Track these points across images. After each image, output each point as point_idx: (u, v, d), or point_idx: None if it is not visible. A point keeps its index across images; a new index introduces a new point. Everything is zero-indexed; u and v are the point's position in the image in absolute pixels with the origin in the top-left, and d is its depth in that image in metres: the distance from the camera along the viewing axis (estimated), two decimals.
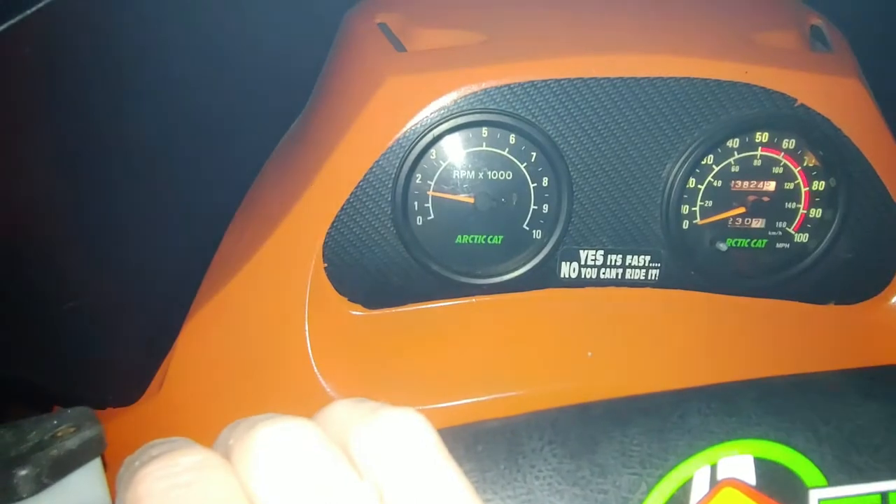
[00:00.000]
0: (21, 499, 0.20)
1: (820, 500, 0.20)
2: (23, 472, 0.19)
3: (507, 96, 0.47)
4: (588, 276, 0.52)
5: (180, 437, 0.23)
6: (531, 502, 0.20)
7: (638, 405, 0.22)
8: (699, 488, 0.20)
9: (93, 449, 0.22)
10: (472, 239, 0.51)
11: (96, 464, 0.22)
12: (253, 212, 0.56)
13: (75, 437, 0.21)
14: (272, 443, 0.17)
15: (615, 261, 0.51)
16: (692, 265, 0.51)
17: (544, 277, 0.51)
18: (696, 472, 0.20)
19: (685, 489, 0.20)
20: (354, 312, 0.51)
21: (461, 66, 0.47)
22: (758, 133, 0.47)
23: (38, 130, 0.42)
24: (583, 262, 0.51)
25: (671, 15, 0.53)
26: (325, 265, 0.50)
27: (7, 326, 0.44)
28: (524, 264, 0.51)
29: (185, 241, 0.54)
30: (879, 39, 0.51)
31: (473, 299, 0.52)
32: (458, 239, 0.51)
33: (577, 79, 0.47)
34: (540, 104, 0.47)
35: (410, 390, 0.48)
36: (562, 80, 0.47)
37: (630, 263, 0.51)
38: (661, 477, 0.20)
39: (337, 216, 0.49)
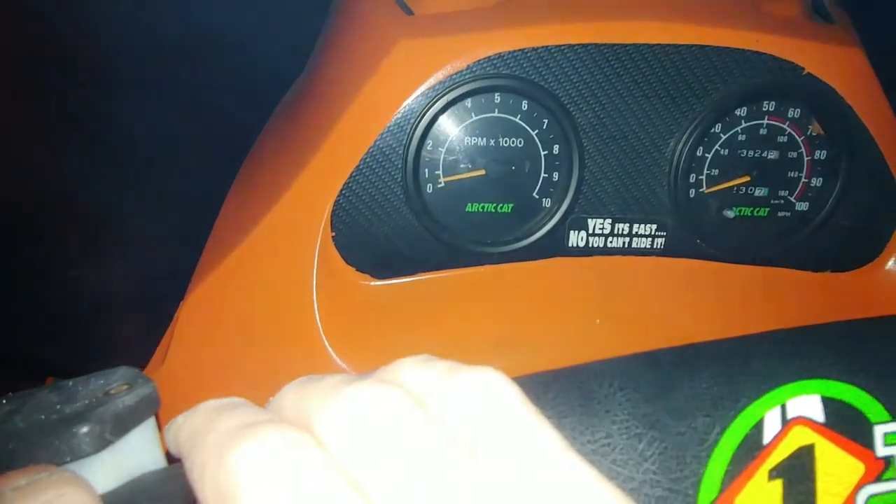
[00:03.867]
0: (84, 456, 0.18)
1: (885, 434, 0.21)
2: (85, 429, 0.18)
3: (521, 61, 0.46)
4: (595, 245, 0.52)
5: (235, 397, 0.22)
6: (611, 446, 0.20)
7: (703, 351, 0.22)
8: (771, 427, 0.20)
9: (150, 406, 0.21)
10: (483, 207, 0.50)
11: (152, 423, 0.21)
12: (254, 179, 0.54)
13: (132, 393, 0.20)
14: (367, 418, 0.16)
15: (622, 229, 0.52)
16: (697, 234, 0.51)
17: (553, 246, 0.51)
18: (767, 412, 0.20)
19: (758, 428, 0.20)
20: (363, 282, 0.50)
21: (475, 30, 0.46)
22: (765, 102, 0.48)
23: (34, 108, 0.39)
24: (591, 231, 0.51)
25: None
26: (334, 234, 0.48)
27: (3, 299, 0.42)
28: (534, 233, 0.51)
29: (184, 209, 0.53)
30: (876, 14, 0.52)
31: (482, 268, 0.51)
32: (469, 207, 0.50)
33: (591, 44, 0.46)
34: (553, 70, 0.47)
35: None
36: (575, 45, 0.46)
37: (637, 232, 0.52)
38: (733, 418, 0.20)
39: (346, 184, 0.48)
